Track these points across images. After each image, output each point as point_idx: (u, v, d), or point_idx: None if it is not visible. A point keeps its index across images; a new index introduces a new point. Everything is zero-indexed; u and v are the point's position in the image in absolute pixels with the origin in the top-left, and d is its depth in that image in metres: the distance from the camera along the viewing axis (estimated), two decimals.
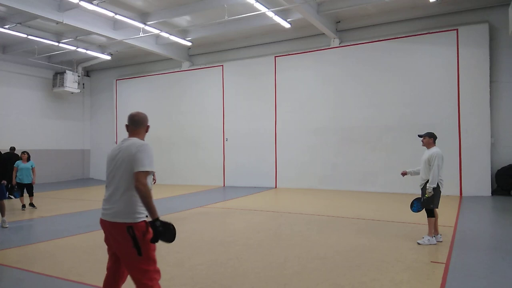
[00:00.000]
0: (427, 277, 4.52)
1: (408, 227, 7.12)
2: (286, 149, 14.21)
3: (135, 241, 2.84)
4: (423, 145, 6.29)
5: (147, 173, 2.87)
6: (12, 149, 12.45)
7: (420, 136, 6.35)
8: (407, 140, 11.82)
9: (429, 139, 6.20)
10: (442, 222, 7.19)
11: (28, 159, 10.22)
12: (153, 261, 2.95)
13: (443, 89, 11.70)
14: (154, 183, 8.74)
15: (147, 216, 2.93)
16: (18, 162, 10.15)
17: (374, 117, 12.68)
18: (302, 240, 6.41)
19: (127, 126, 3.17)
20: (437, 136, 6.33)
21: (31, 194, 10.25)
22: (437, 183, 5.89)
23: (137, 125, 3.15)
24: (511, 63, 11.21)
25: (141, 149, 2.91)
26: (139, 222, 2.90)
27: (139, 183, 2.81)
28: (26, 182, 10.10)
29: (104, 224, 3.02)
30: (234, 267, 4.97)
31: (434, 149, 6.04)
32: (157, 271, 2.99)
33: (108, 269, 3.13)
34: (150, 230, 2.84)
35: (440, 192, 5.99)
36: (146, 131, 3.20)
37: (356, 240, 6.27)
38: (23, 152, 10.31)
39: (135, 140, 3.03)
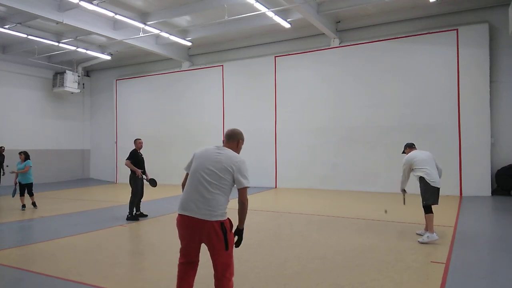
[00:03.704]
0: (427, 277, 4.52)
1: (408, 227, 7.12)
2: (286, 149, 14.20)
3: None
4: None
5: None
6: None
7: (403, 152, 6.78)
8: (407, 140, 11.56)
9: (409, 149, 6.67)
10: (442, 222, 7.19)
11: (26, 158, 10.18)
12: None
13: (443, 89, 11.70)
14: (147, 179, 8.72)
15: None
16: (18, 162, 10.15)
17: (374, 117, 12.67)
18: (302, 240, 6.40)
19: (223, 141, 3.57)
20: (414, 143, 6.86)
21: (30, 194, 10.24)
22: (424, 179, 6.10)
23: (228, 138, 3.50)
24: (511, 63, 11.21)
25: (242, 162, 3.28)
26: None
27: (244, 199, 3.25)
28: (24, 183, 10.09)
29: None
30: (234, 267, 4.96)
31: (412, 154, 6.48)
32: None
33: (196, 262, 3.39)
34: None
35: (434, 188, 6.10)
36: (237, 147, 3.49)
37: (356, 240, 6.27)
38: (20, 152, 10.26)
39: (232, 152, 3.36)
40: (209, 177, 3.19)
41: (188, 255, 3.30)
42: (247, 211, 3.29)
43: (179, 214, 3.24)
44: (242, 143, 3.56)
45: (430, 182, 6.06)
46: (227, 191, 3.23)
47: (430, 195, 6.08)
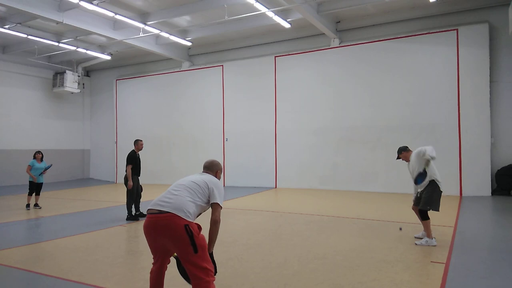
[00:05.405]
0: (427, 277, 4.52)
1: (408, 227, 7.11)
2: (286, 149, 14.20)
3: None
4: (404, 160, 6.32)
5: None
6: None
7: (398, 158, 6.43)
8: (407, 140, 11.76)
9: (406, 153, 6.29)
10: (442, 222, 7.20)
11: (42, 158, 10.33)
12: None
13: (443, 89, 11.70)
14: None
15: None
16: (33, 161, 10.15)
17: (374, 117, 12.67)
18: (302, 240, 6.40)
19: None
20: (412, 147, 6.46)
21: (37, 193, 10.28)
22: (436, 183, 5.85)
23: (207, 169, 3.68)
24: (511, 63, 11.21)
25: (221, 185, 3.49)
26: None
27: (218, 218, 3.27)
28: (39, 182, 10.17)
29: None
30: (234, 267, 4.97)
31: (415, 151, 6.09)
32: None
33: None
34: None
35: (441, 192, 5.93)
36: (215, 176, 3.63)
37: (356, 240, 6.27)
38: (38, 152, 10.38)
39: (212, 176, 3.56)
40: (186, 184, 3.32)
41: (156, 255, 3.36)
42: (217, 235, 3.28)
43: (147, 212, 3.25)
44: (220, 173, 3.74)
45: (440, 187, 5.87)
46: (198, 202, 3.23)
47: (437, 201, 5.87)
